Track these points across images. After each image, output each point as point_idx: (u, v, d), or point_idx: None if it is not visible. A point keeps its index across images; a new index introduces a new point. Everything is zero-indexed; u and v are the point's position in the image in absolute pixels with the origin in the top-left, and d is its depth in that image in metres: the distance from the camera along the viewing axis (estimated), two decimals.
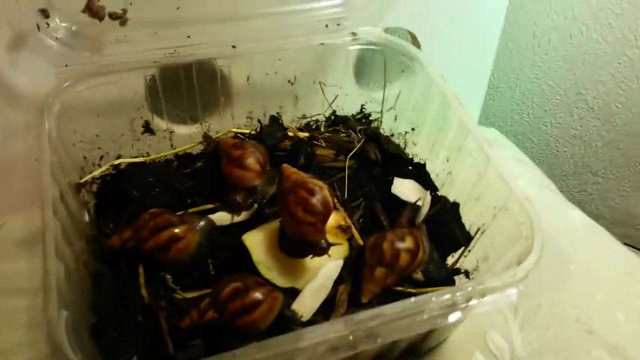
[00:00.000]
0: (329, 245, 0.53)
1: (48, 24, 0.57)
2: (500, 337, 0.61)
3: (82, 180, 0.60)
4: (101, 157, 0.64)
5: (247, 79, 0.66)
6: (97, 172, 0.62)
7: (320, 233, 0.52)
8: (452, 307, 0.43)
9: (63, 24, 0.58)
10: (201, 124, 0.69)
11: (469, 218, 0.59)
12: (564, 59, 0.96)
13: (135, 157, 0.67)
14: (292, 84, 0.69)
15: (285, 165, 0.57)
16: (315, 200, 0.51)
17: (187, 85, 0.63)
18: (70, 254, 0.49)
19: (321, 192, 0.52)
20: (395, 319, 0.42)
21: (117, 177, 0.64)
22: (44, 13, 0.57)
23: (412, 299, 0.42)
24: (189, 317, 0.51)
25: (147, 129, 0.66)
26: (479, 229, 0.57)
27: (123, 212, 0.62)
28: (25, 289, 0.62)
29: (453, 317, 0.43)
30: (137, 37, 0.60)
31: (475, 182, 0.57)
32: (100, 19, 0.60)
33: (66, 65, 0.59)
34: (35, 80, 0.61)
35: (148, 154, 0.68)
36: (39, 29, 0.57)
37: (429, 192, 0.63)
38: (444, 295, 0.43)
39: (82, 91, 0.58)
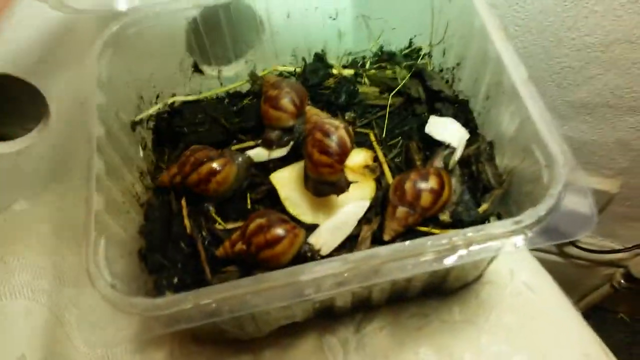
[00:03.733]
0: (349, 183, 0.54)
1: None
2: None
3: (137, 118, 0.65)
4: (157, 96, 0.69)
5: (288, 16, 0.66)
6: (151, 110, 0.68)
7: (337, 173, 0.53)
8: (451, 251, 0.43)
9: None
10: (246, 62, 0.71)
11: (504, 160, 0.56)
12: None
13: (188, 95, 0.71)
14: (334, 19, 0.68)
15: (309, 107, 0.58)
16: (330, 141, 0.52)
17: (228, 26, 0.65)
18: (118, 187, 0.55)
19: (337, 132, 0.52)
20: (390, 260, 0.43)
21: (172, 115, 0.69)
22: None
23: (407, 242, 0.43)
24: (222, 246, 0.56)
25: (196, 69, 0.69)
26: (510, 171, 0.55)
27: (176, 147, 0.68)
28: None
29: (448, 262, 0.43)
30: None
31: (508, 122, 0.54)
32: None
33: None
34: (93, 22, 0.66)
35: (200, 92, 0.72)
36: None
37: (466, 132, 0.60)
38: (441, 239, 0.43)
39: (133, 34, 0.62)
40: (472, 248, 0.44)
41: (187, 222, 0.60)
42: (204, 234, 0.60)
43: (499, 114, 0.56)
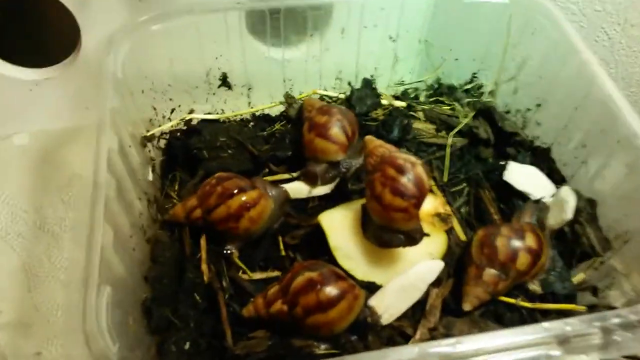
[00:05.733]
0: (423, 234, 0.43)
1: None
2: None
3: (149, 133, 0.53)
4: (172, 110, 0.57)
5: (342, 32, 0.56)
6: (166, 126, 0.56)
7: (413, 220, 0.42)
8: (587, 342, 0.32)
9: None
10: (284, 81, 0.60)
11: (607, 221, 0.46)
12: None
13: (209, 114, 0.59)
14: (393, 40, 0.58)
15: (369, 137, 0.47)
16: (406, 180, 0.41)
17: (272, 32, 0.54)
18: (126, 217, 0.42)
19: (414, 169, 0.42)
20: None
21: (188, 134, 0.57)
22: None
23: (527, 329, 0.31)
24: (253, 304, 0.44)
25: (224, 82, 0.58)
26: (618, 236, 0.45)
27: (192, 173, 0.55)
28: None
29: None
30: None
31: (622, 177, 0.44)
32: None
33: (140, 0, 0.53)
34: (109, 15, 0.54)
35: (223, 111, 0.60)
36: None
37: (553, 185, 0.51)
38: (582, 325, 0.32)
39: (156, 31, 0.50)
40: (615, 337, 0.33)
41: (204, 267, 0.47)
42: (225, 284, 0.47)
43: (604, 166, 0.46)
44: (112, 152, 0.41)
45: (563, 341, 0.31)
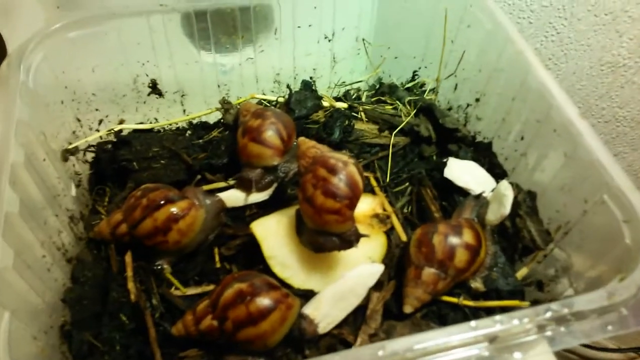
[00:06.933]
0: (359, 236, 0.41)
1: None
2: None
3: (71, 146, 0.50)
4: (100, 122, 0.54)
5: (275, 33, 0.54)
6: (91, 138, 0.53)
7: (346, 222, 0.40)
8: (540, 330, 0.30)
9: None
10: (219, 86, 0.57)
11: (549, 213, 0.45)
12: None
13: (141, 123, 0.56)
14: (329, 40, 0.56)
15: (302, 138, 0.46)
16: (338, 180, 0.39)
17: (201, 34, 0.52)
18: (36, 235, 0.39)
19: (345, 168, 0.40)
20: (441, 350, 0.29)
21: (117, 146, 0.54)
22: None
23: (467, 326, 0.30)
24: (182, 322, 0.41)
25: (154, 89, 0.55)
26: (559, 227, 0.44)
27: (122, 187, 0.53)
28: None
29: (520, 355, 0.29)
30: None
31: (560, 167, 0.43)
32: None
33: (58, 7, 0.50)
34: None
35: (156, 120, 0.58)
36: None
37: (493, 180, 0.49)
38: (512, 322, 0.30)
39: (74, 38, 0.48)
40: (551, 333, 0.31)
41: (131, 285, 0.44)
42: (154, 302, 0.44)
43: (543, 157, 0.45)
44: (17, 166, 0.38)
45: (494, 340, 0.29)
